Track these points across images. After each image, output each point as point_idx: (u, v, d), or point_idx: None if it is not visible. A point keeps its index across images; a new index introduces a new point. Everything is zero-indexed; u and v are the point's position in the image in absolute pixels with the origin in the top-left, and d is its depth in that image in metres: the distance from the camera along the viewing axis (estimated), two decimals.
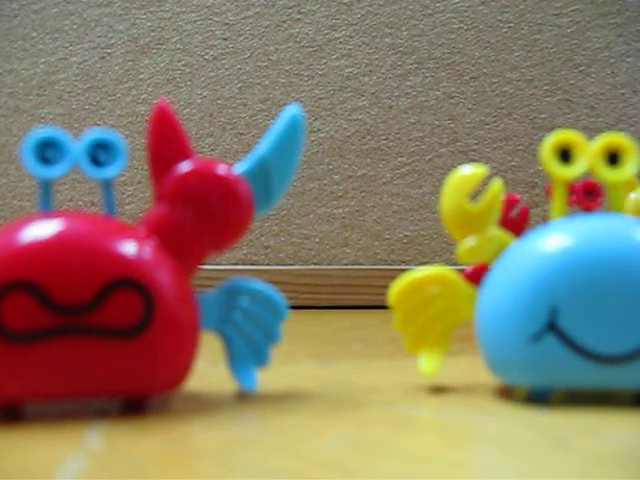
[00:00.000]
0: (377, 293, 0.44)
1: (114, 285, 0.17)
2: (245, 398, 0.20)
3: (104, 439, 0.16)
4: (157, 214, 0.19)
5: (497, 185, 0.21)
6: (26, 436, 0.17)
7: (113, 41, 0.51)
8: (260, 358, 0.20)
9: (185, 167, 0.19)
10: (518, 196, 0.32)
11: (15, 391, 0.17)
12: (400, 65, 0.50)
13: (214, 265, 0.46)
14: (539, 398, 0.19)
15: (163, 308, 0.18)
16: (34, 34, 0.51)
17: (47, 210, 0.19)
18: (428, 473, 0.14)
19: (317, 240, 0.50)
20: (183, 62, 0.51)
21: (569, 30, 0.49)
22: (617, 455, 0.15)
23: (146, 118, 0.48)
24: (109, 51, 0.51)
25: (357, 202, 0.49)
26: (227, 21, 0.51)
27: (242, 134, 0.50)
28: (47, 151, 0.19)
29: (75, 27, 0.51)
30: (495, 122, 0.49)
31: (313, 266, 0.48)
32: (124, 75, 0.50)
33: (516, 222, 0.32)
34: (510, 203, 0.32)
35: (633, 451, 0.15)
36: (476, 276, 0.30)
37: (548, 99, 0.49)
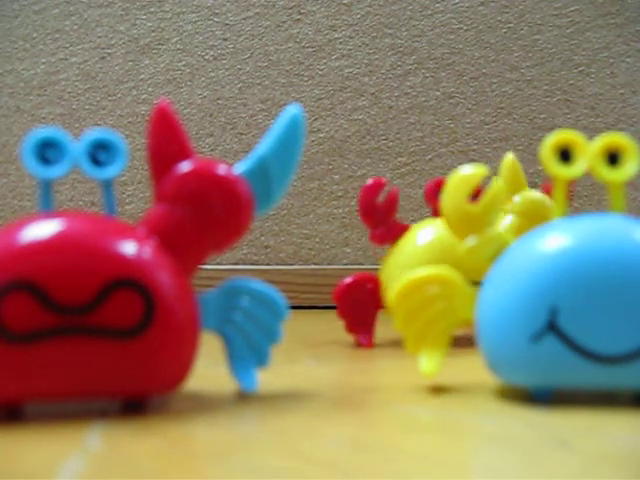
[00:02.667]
0: None
1: (114, 285, 0.17)
2: (245, 398, 0.20)
3: (104, 439, 0.16)
4: (157, 214, 0.19)
5: (497, 185, 0.21)
6: (26, 436, 0.17)
7: (113, 41, 0.51)
8: (260, 358, 0.20)
9: (185, 167, 0.19)
10: (384, 180, 0.30)
11: (15, 391, 0.17)
12: (400, 65, 0.50)
13: (214, 265, 0.46)
14: (539, 398, 0.19)
15: (163, 308, 0.18)
16: (35, 34, 0.51)
17: (47, 210, 0.19)
18: (428, 473, 0.14)
19: (317, 240, 0.50)
20: (183, 62, 0.51)
21: (568, 30, 0.49)
22: (617, 455, 0.15)
23: (146, 118, 0.48)
24: (109, 51, 0.51)
25: (357, 202, 0.49)
26: (227, 21, 0.51)
27: (242, 134, 0.50)
28: (47, 151, 0.19)
29: (76, 27, 0.51)
30: (495, 122, 0.49)
31: (313, 266, 0.48)
32: (124, 75, 0.50)
33: (383, 208, 0.30)
34: (375, 188, 0.30)
35: (633, 451, 0.15)
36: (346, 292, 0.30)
37: (548, 99, 0.49)
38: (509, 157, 0.32)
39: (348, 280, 0.30)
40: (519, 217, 0.31)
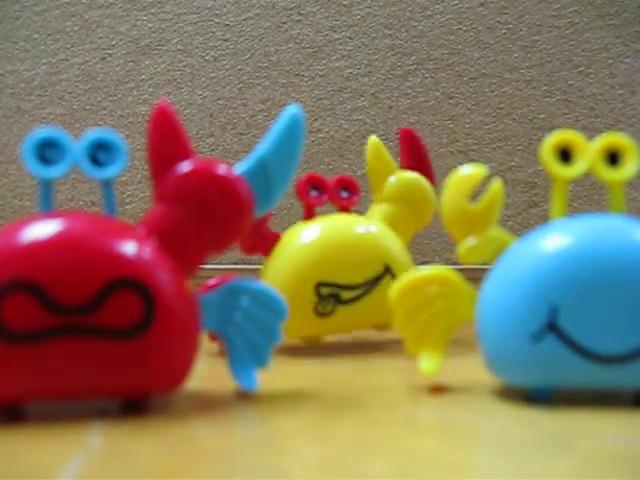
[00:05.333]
0: None
1: (114, 285, 0.17)
2: (245, 398, 0.20)
3: (104, 439, 0.16)
4: (157, 214, 0.19)
5: (497, 185, 0.21)
6: (26, 436, 0.17)
7: (114, 42, 0.51)
8: (260, 358, 0.20)
9: (185, 167, 0.19)
10: None
11: (15, 391, 0.17)
12: (400, 66, 0.50)
13: (214, 265, 0.46)
14: (539, 398, 0.19)
15: (163, 308, 0.18)
16: (36, 35, 0.51)
17: (47, 210, 0.19)
18: (428, 473, 0.14)
19: None
20: (184, 63, 0.51)
21: (568, 31, 0.49)
22: (617, 455, 0.15)
23: (147, 118, 0.48)
24: (110, 52, 0.51)
25: None
26: (228, 22, 0.51)
27: (242, 134, 0.50)
28: (47, 151, 0.19)
29: (77, 28, 0.51)
30: (494, 122, 0.49)
31: None
32: (125, 76, 0.50)
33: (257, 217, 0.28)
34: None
35: (633, 451, 0.15)
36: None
37: (547, 99, 0.49)
38: (372, 140, 0.30)
39: (211, 282, 0.27)
40: (394, 203, 0.29)
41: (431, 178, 0.31)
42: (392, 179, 0.29)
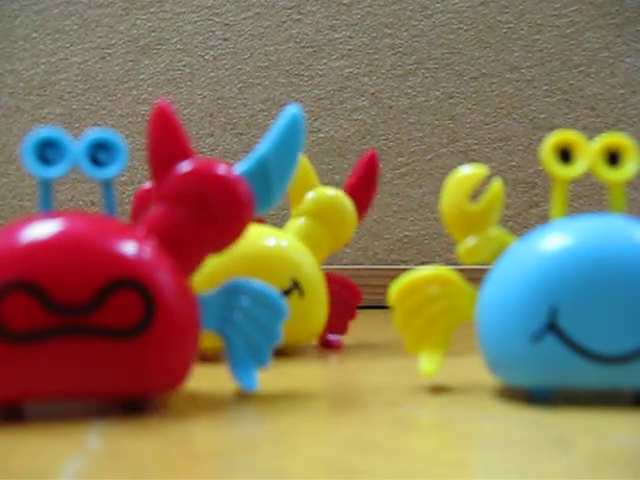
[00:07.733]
0: (377, 293, 0.44)
1: (114, 285, 0.17)
2: (245, 398, 0.20)
3: (104, 439, 0.16)
4: (157, 214, 0.19)
5: (497, 185, 0.21)
6: (26, 436, 0.17)
7: (114, 41, 0.51)
8: (260, 358, 0.20)
9: (185, 167, 0.19)
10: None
11: (15, 391, 0.17)
12: (400, 65, 0.50)
13: None
14: (539, 398, 0.19)
15: (163, 308, 0.18)
16: (35, 34, 0.51)
17: (47, 210, 0.19)
18: (428, 473, 0.14)
19: None
20: (183, 62, 0.51)
21: (568, 30, 0.49)
22: (617, 455, 0.15)
23: (146, 118, 0.48)
24: (109, 51, 0.51)
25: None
26: (227, 22, 0.51)
27: (242, 134, 0.50)
28: (47, 151, 0.19)
29: (76, 28, 0.51)
30: (495, 122, 0.49)
31: None
32: (124, 75, 0.50)
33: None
34: (144, 197, 0.27)
35: (633, 451, 0.15)
36: None
37: (547, 99, 0.49)
38: None
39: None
40: (311, 219, 0.28)
41: (365, 208, 0.30)
42: (311, 194, 0.29)
